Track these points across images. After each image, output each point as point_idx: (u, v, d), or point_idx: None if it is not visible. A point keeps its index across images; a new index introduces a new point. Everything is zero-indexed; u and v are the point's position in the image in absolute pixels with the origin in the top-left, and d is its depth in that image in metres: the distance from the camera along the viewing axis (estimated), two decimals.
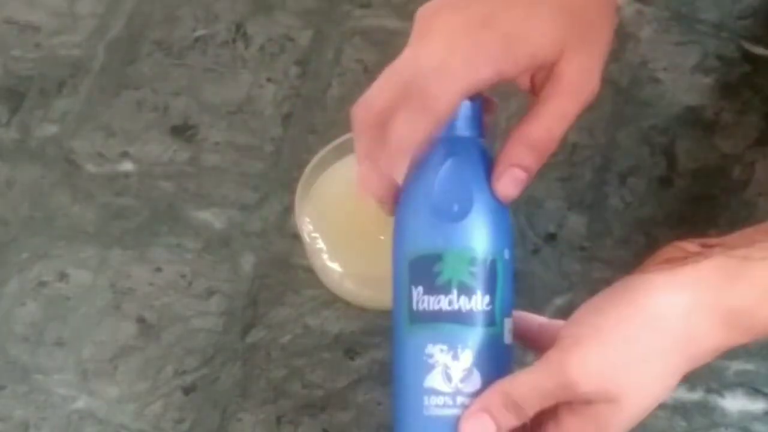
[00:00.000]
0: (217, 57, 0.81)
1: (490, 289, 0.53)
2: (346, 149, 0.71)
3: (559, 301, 0.70)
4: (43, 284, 0.73)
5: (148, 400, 0.69)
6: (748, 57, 0.79)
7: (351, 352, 0.70)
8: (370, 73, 0.80)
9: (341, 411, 0.68)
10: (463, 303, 0.52)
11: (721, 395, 0.67)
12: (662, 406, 0.67)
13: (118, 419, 0.68)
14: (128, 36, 0.83)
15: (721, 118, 0.77)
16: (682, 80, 0.78)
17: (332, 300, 0.71)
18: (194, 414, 0.68)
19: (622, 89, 0.78)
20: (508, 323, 0.54)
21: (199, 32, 0.83)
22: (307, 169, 0.70)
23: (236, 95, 0.80)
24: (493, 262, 0.53)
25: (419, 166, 0.53)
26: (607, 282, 0.71)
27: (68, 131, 0.79)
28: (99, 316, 0.72)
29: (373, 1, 0.83)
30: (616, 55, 0.79)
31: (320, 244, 0.69)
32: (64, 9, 0.84)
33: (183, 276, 0.73)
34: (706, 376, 0.68)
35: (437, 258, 0.52)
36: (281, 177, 0.76)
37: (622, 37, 0.80)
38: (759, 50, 0.79)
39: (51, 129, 0.79)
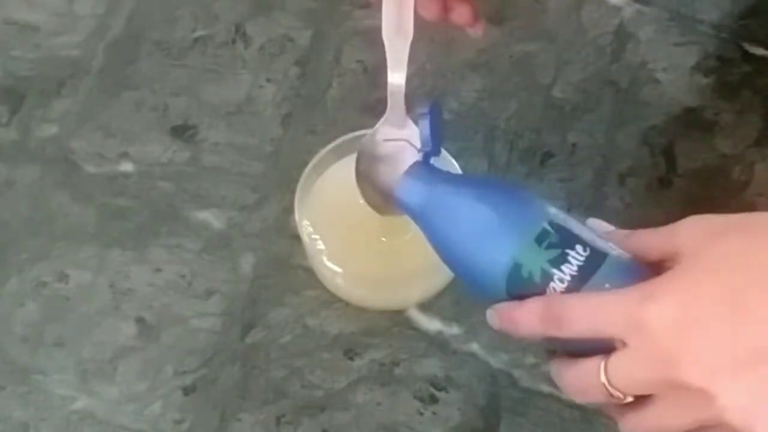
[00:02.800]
0: (216, 57, 0.81)
1: (575, 241, 0.52)
2: (345, 150, 0.71)
3: None
4: (42, 284, 0.73)
5: (148, 400, 0.69)
6: (747, 57, 0.79)
7: (351, 353, 0.70)
8: (369, 74, 0.80)
9: (341, 411, 0.68)
10: (568, 271, 0.51)
11: None
12: None
13: (118, 420, 0.68)
14: (128, 36, 0.83)
15: (720, 118, 0.77)
16: (681, 81, 0.78)
17: (332, 300, 0.71)
18: (194, 414, 0.68)
19: (621, 90, 0.78)
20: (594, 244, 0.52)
21: (199, 33, 0.83)
22: (307, 170, 0.70)
23: (236, 95, 0.80)
24: (554, 221, 0.52)
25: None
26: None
27: (68, 131, 0.79)
28: (98, 316, 0.72)
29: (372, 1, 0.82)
30: (615, 55, 0.80)
31: (320, 245, 0.69)
32: (63, 9, 0.84)
33: (182, 276, 0.73)
34: None
35: (516, 268, 0.52)
36: (281, 177, 0.76)
37: (622, 37, 0.80)
38: (759, 51, 0.79)
39: (50, 129, 0.79)
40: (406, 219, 0.69)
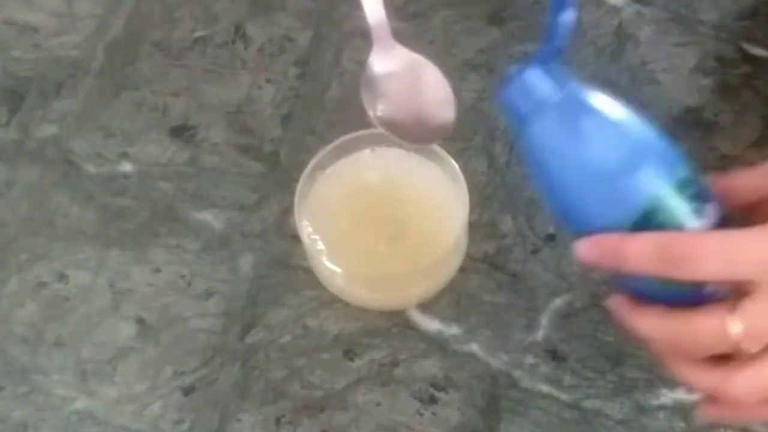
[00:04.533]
0: (216, 58, 0.81)
1: (711, 196, 0.47)
2: (345, 150, 0.71)
3: (558, 302, 0.71)
4: (42, 285, 0.73)
5: (147, 400, 0.69)
6: (747, 58, 0.79)
7: (350, 353, 0.70)
8: None
9: (340, 412, 0.68)
10: (702, 227, 0.46)
11: None
12: (661, 407, 0.67)
13: (117, 420, 0.68)
14: (127, 37, 0.83)
15: (720, 119, 0.77)
16: (681, 81, 0.78)
17: (331, 300, 0.71)
18: (193, 415, 0.68)
19: (621, 90, 0.78)
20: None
21: (199, 33, 0.83)
22: (307, 170, 0.70)
23: (235, 96, 0.80)
24: (694, 168, 0.47)
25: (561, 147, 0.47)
26: (606, 283, 0.71)
27: (67, 132, 0.79)
28: (98, 316, 0.72)
29: None
30: (615, 55, 0.79)
31: (320, 245, 0.69)
32: (63, 10, 0.84)
33: (182, 277, 0.73)
34: None
35: (652, 211, 0.46)
36: (280, 178, 0.76)
37: (622, 37, 0.80)
38: (758, 51, 0.79)
39: (50, 130, 0.79)
40: (406, 217, 0.69)
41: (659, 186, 0.46)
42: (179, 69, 0.81)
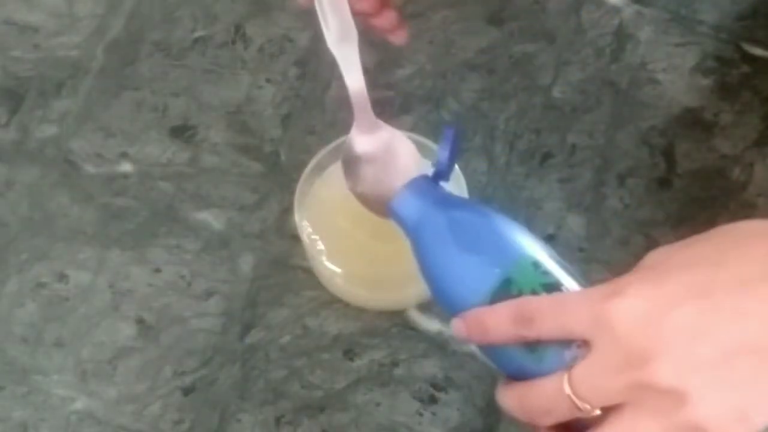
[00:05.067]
0: (216, 58, 0.81)
1: (569, 276, 0.52)
2: None
3: None
4: (42, 285, 0.73)
5: (147, 400, 0.69)
6: (747, 58, 0.79)
7: (350, 353, 0.70)
8: (368, 74, 0.79)
9: (340, 412, 0.68)
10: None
11: None
12: None
13: (117, 420, 0.68)
14: (127, 37, 0.83)
15: (720, 119, 0.77)
16: (681, 81, 0.78)
17: (331, 301, 0.71)
18: (193, 415, 0.68)
19: (621, 90, 0.78)
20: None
21: (199, 33, 0.83)
22: (307, 170, 0.70)
23: (235, 96, 0.80)
24: (554, 257, 0.52)
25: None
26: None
27: (67, 132, 0.79)
28: (98, 316, 0.72)
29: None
30: (615, 55, 0.80)
31: (320, 245, 0.69)
32: (63, 10, 0.84)
33: (182, 277, 0.73)
34: None
35: (509, 281, 0.51)
36: (280, 178, 0.76)
37: (622, 38, 0.80)
38: (758, 51, 0.79)
39: (50, 130, 0.79)
40: None
41: (512, 261, 0.51)
42: (179, 69, 0.81)
